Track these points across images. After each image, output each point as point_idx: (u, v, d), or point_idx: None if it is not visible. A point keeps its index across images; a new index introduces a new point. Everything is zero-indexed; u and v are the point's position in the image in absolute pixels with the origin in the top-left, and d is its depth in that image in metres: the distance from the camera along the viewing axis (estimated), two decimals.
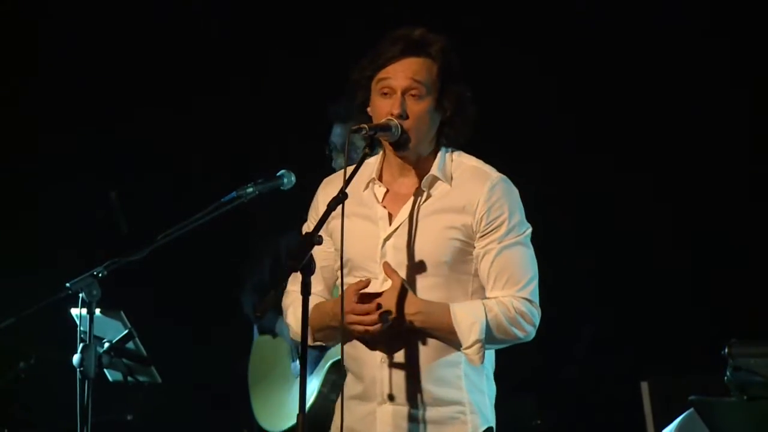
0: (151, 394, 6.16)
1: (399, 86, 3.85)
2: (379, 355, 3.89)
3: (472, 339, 3.82)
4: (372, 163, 4.01)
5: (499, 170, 4.00)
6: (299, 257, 3.63)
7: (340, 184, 3.88)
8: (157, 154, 7.21)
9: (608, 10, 6.61)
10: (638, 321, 6.65)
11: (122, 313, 5.79)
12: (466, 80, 3.94)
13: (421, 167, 3.95)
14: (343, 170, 3.95)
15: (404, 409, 3.88)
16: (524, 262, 3.90)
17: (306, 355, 3.71)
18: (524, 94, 6.67)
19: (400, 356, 3.87)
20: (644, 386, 5.89)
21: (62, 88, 7.19)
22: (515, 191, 3.95)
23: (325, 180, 4.12)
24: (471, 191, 3.90)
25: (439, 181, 3.93)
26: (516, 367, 6.31)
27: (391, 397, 3.88)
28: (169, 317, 7.03)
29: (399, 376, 3.87)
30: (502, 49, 6.70)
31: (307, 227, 4.07)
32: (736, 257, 6.50)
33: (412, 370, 3.87)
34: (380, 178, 3.98)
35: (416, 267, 3.88)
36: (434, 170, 3.92)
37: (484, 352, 3.86)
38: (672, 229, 6.64)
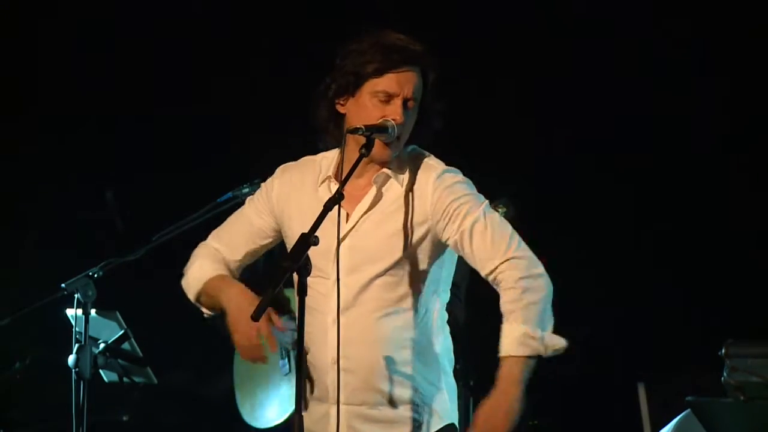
0: (146, 394, 6.15)
1: (402, 95, 3.89)
2: (330, 356, 3.89)
3: (559, 345, 3.84)
4: (319, 160, 4.04)
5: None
6: (295, 258, 3.63)
7: (297, 173, 4.00)
8: (154, 154, 7.20)
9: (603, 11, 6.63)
10: (635, 322, 6.65)
11: (118, 313, 5.79)
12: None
13: (377, 166, 3.97)
14: (301, 159, 4.03)
15: (357, 410, 3.90)
16: (496, 229, 3.90)
17: (303, 355, 3.71)
18: (524, 95, 6.68)
19: (350, 357, 3.87)
20: (641, 387, 5.89)
21: (61, 88, 7.18)
22: (461, 178, 3.96)
23: (283, 166, 4.12)
24: (419, 187, 3.93)
25: (391, 179, 3.95)
26: None
27: (343, 398, 3.88)
28: (165, 318, 7.02)
29: (350, 376, 3.88)
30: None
31: (251, 198, 4.11)
32: (734, 257, 6.50)
33: (363, 370, 3.88)
34: (335, 177, 3.98)
35: (372, 266, 3.89)
36: (385, 169, 3.95)
37: (548, 326, 3.83)
38: (669, 229, 6.64)
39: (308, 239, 3.66)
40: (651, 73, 6.63)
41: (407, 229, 3.90)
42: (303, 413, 3.82)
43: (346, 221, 3.93)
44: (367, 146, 3.86)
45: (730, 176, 6.55)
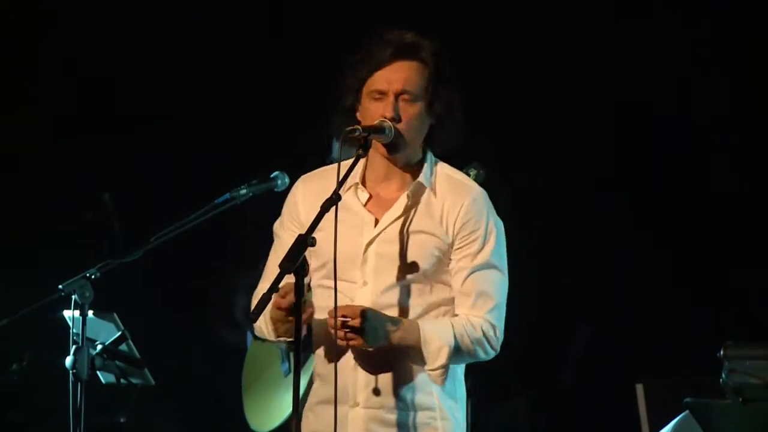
0: (144, 396, 6.14)
1: (392, 90, 3.86)
2: (351, 359, 3.88)
3: (438, 363, 3.85)
4: (354, 167, 4.00)
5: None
6: (293, 259, 3.62)
7: (320, 182, 3.93)
8: (152, 155, 7.19)
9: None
10: (634, 323, 6.64)
11: (115, 315, 5.78)
12: (459, 83, 3.94)
13: (407, 172, 3.95)
14: (321, 169, 3.99)
15: (376, 413, 3.88)
16: (493, 287, 3.91)
17: (300, 356, 3.70)
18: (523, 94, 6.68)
19: (372, 360, 3.87)
20: (639, 388, 5.88)
21: (61, 89, 7.17)
22: (493, 210, 3.96)
23: (303, 177, 4.08)
24: (451, 203, 3.91)
25: (425, 190, 3.93)
26: (510, 369, 6.31)
27: (363, 401, 3.87)
28: (163, 319, 7.02)
29: (371, 380, 3.87)
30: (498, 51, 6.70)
31: (280, 224, 4.04)
32: (733, 259, 6.50)
33: (384, 374, 3.87)
34: (363, 183, 3.97)
35: (399, 273, 3.88)
36: (421, 178, 3.93)
37: (447, 375, 3.88)
38: (668, 230, 6.63)
39: (306, 240, 3.65)
40: (650, 71, 6.64)
41: (434, 241, 3.89)
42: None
43: (374, 226, 3.92)
44: (365, 147, 3.85)
45: (729, 177, 6.54)
